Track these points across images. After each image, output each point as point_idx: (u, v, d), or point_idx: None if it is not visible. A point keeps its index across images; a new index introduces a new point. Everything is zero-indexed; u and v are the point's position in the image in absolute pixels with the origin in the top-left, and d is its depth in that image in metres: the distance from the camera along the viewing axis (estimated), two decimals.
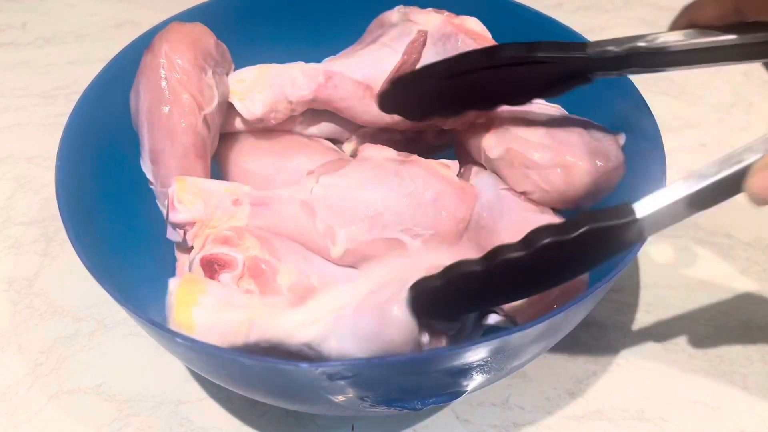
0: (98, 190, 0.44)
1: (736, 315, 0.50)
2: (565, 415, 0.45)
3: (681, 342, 0.49)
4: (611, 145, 0.43)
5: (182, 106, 0.43)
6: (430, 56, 0.45)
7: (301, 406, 0.40)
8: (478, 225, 0.44)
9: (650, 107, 0.44)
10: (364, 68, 0.46)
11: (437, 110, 0.45)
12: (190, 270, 0.41)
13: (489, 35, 0.46)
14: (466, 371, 0.34)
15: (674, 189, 0.32)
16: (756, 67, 0.71)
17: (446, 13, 0.47)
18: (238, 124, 0.50)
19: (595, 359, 0.48)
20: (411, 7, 0.48)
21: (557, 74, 0.40)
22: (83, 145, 0.44)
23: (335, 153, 0.50)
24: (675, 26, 0.37)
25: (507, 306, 0.41)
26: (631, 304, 0.51)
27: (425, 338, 0.36)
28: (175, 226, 0.42)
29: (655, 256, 0.54)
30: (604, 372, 0.47)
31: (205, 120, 0.44)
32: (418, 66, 0.45)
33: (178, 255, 0.45)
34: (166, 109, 0.43)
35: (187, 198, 0.41)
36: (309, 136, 0.51)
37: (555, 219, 0.43)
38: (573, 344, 0.49)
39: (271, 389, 0.38)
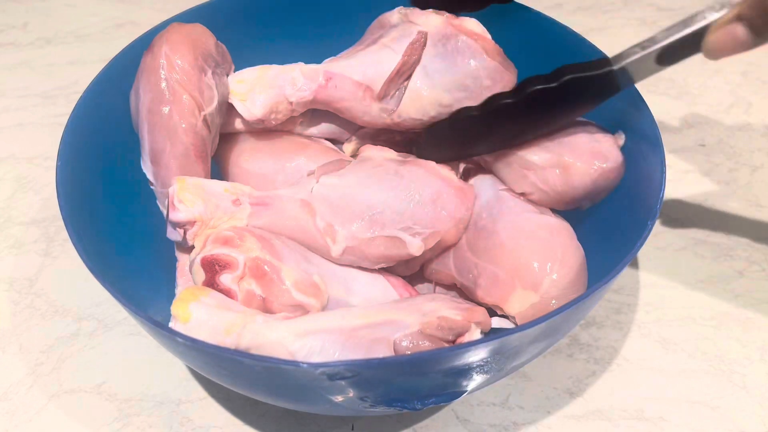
0: (99, 190, 0.44)
1: (736, 315, 0.50)
2: (565, 414, 0.45)
3: (681, 342, 0.49)
4: (610, 146, 0.43)
5: (182, 106, 0.43)
6: (429, 57, 0.46)
7: (301, 406, 0.40)
8: (477, 225, 0.44)
9: (650, 107, 0.44)
10: (364, 69, 0.46)
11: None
12: (190, 270, 0.41)
13: (489, 36, 0.47)
14: (465, 371, 0.34)
15: (644, 45, 0.37)
16: (755, 67, 0.72)
17: (446, 15, 0.47)
18: (238, 124, 0.50)
19: (595, 359, 0.48)
20: (411, 8, 0.49)
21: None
22: (84, 145, 0.44)
23: (335, 153, 0.50)
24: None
25: (506, 307, 0.41)
26: (631, 304, 0.51)
27: None
28: (175, 225, 0.42)
29: (655, 256, 0.54)
30: (604, 372, 0.47)
31: (205, 120, 0.45)
32: (417, 66, 0.46)
33: (179, 255, 0.45)
34: (166, 109, 0.43)
35: (187, 197, 0.41)
36: (309, 137, 0.51)
37: (554, 219, 0.43)
38: (573, 344, 0.49)
39: (271, 389, 0.38)
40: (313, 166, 0.47)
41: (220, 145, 0.49)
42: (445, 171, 0.45)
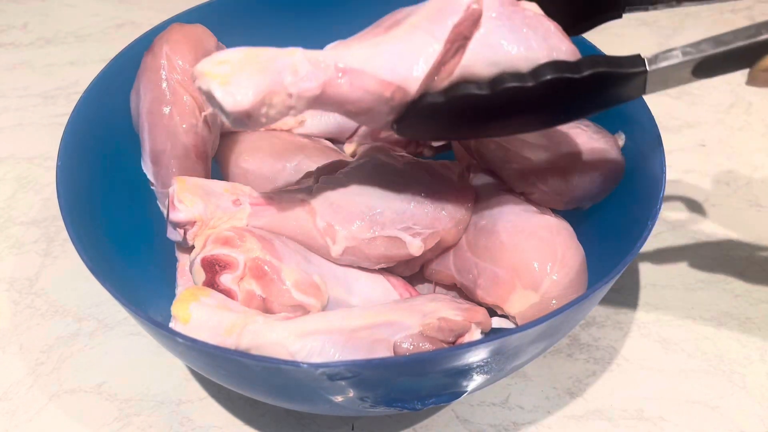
0: (99, 190, 0.44)
1: (736, 315, 0.50)
2: (565, 414, 0.45)
3: (681, 342, 0.49)
4: (610, 146, 0.43)
5: (183, 106, 0.44)
6: (490, 25, 0.34)
7: (301, 406, 0.40)
8: (477, 225, 0.44)
9: (650, 107, 0.44)
10: (392, 61, 0.34)
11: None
12: (191, 270, 0.41)
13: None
14: (465, 372, 0.34)
15: (685, 51, 0.33)
16: None
17: None
18: None
19: (595, 359, 0.48)
20: None
21: (588, 7, 0.38)
22: (84, 145, 0.44)
23: (335, 153, 0.50)
24: None
25: (507, 307, 0.41)
26: (631, 304, 0.51)
27: None
28: (176, 225, 0.42)
29: (655, 256, 0.54)
30: (604, 372, 0.47)
31: (205, 121, 0.45)
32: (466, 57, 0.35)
33: (179, 255, 0.45)
34: (166, 110, 0.43)
35: (187, 197, 0.41)
36: (309, 136, 0.51)
37: (554, 219, 0.43)
38: (573, 344, 0.49)
39: (271, 389, 0.38)
40: (313, 165, 0.47)
41: (220, 145, 0.49)
42: (445, 171, 0.45)
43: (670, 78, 0.34)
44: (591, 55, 0.33)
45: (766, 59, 0.32)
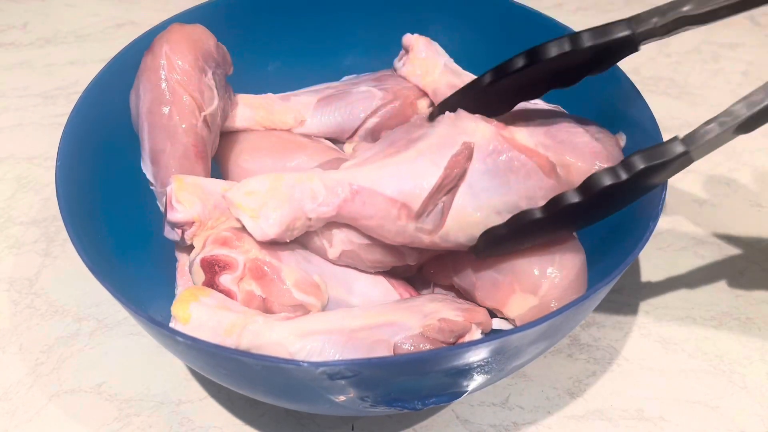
0: (99, 190, 0.44)
1: (736, 315, 0.50)
2: (565, 414, 0.45)
3: (681, 342, 0.49)
4: (611, 146, 0.43)
5: (182, 106, 0.43)
6: (476, 174, 0.40)
7: (301, 405, 0.40)
8: None
9: (650, 107, 0.44)
10: (399, 182, 0.40)
11: (485, 111, 0.43)
12: (190, 270, 0.41)
13: (540, 149, 0.41)
14: (466, 372, 0.34)
15: (721, 122, 0.35)
16: (756, 67, 0.71)
17: (495, 123, 0.41)
18: (238, 122, 0.50)
19: (595, 359, 0.48)
20: (458, 113, 0.42)
21: (605, 53, 0.40)
22: (84, 145, 0.44)
23: (335, 153, 0.50)
24: None
25: (506, 311, 0.41)
26: (631, 304, 0.51)
27: None
28: (174, 225, 0.42)
29: (655, 256, 0.54)
30: (604, 372, 0.47)
31: (205, 121, 0.45)
32: (461, 182, 0.40)
33: (179, 255, 0.45)
34: (166, 109, 0.43)
35: (185, 197, 0.41)
36: (309, 136, 0.51)
37: None
38: (573, 344, 0.49)
39: (271, 389, 0.38)
40: (313, 165, 0.47)
41: (220, 145, 0.49)
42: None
43: (713, 145, 0.36)
44: (634, 153, 0.36)
45: None
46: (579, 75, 0.42)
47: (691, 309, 0.51)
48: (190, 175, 0.44)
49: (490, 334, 0.39)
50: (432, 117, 0.44)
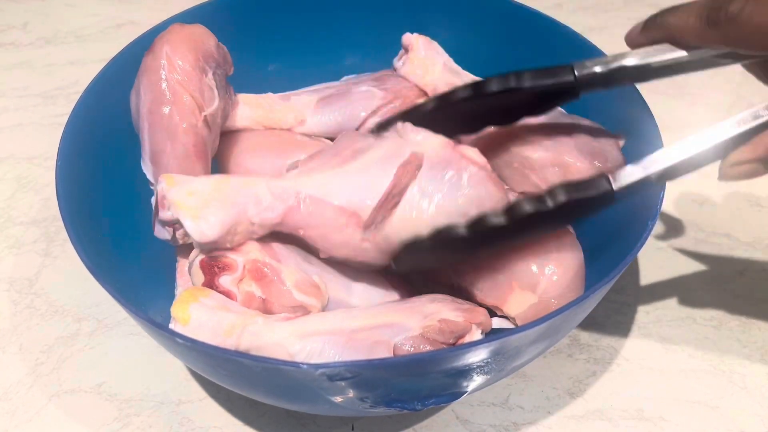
0: (99, 190, 0.44)
1: (735, 315, 0.50)
2: (565, 415, 0.45)
3: (681, 342, 0.49)
4: (611, 146, 0.43)
5: (183, 106, 0.43)
6: (427, 179, 0.39)
7: (301, 406, 0.40)
8: None
9: (650, 107, 0.44)
10: (349, 192, 0.39)
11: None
12: (189, 272, 0.41)
13: (488, 165, 0.41)
14: (466, 372, 0.34)
15: (647, 165, 0.36)
16: None
17: (443, 137, 0.41)
18: (239, 122, 0.50)
19: (595, 359, 0.48)
20: (403, 123, 0.42)
21: (545, 96, 0.40)
22: (84, 145, 0.44)
23: None
24: (650, 38, 0.38)
25: (506, 309, 0.41)
26: (631, 304, 0.51)
27: None
28: (165, 224, 0.41)
29: (655, 256, 0.54)
30: (604, 372, 0.47)
31: (205, 120, 0.44)
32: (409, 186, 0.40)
33: (179, 258, 0.45)
34: (166, 109, 0.43)
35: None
36: (309, 136, 0.51)
37: None
38: (573, 344, 0.49)
39: (271, 390, 0.38)
40: None
41: (220, 144, 0.49)
42: None
43: (638, 189, 0.36)
44: (557, 185, 0.36)
45: (730, 156, 0.35)
46: (518, 114, 0.42)
47: (691, 309, 0.51)
48: (190, 175, 0.44)
49: (490, 335, 0.39)
50: (376, 130, 0.44)
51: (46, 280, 0.53)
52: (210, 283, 0.39)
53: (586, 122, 0.45)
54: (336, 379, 0.33)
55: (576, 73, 0.39)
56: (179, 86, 0.44)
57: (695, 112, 0.66)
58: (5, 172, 0.61)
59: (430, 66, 0.52)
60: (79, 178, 0.43)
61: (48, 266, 0.53)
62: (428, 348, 0.37)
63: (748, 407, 0.46)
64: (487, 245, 0.39)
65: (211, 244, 0.39)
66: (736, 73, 0.70)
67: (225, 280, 0.39)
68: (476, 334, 0.38)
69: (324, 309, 0.41)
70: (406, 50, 0.53)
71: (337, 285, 0.42)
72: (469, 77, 0.51)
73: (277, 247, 0.41)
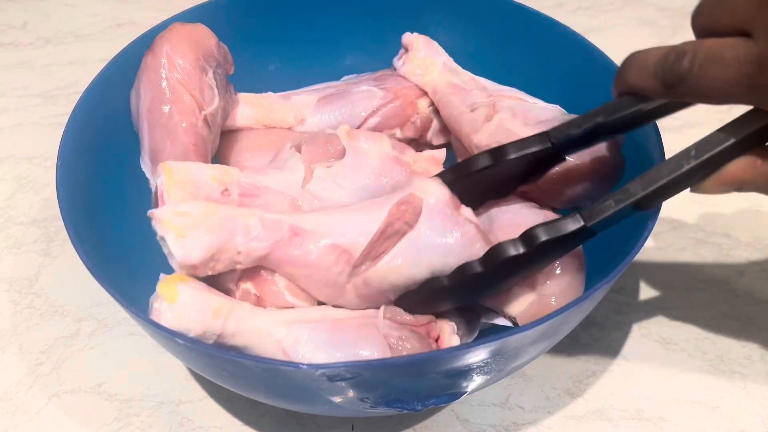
0: (99, 190, 0.44)
1: (736, 315, 0.50)
2: (565, 415, 0.45)
3: (681, 342, 0.49)
4: (610, 146, 0.43)
5: (183, 106, 0.43)
6: (423, 230, 0.38)
7: (300, 406, 0.40)
8: None
9: None
10: (342, 228, 0.39)
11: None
12: None
13: (480, 226, 0.40)
14: (466, 372, 0.34)
15: (617, 199, 0.36)
16: None
17: (447, 190, 0.40)
18: (239, 121, 0.50)
19: (595, 359, 0.48)
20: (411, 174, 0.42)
21: (530, 166, 0.41)
22: (84, 145, 0.44)
23: None
24: (619, 93, 0.37)
25: (506, 308, 0.41)
26: (631, 304, 0.51)
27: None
28: None
29: (655, 256, 0.54)
30: (604, 372, 0.47)
31: (205, 120, 0.45)
32: (407, 233, 0.39)
33: None
34: (166, 109, 0.43)
35: (175, 193, 0.41)
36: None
37: (552, 217, 0.43)
38: (573, 344, 0.49)
39: (270, 390, 0.38)
40: None
41: (221, 143, 0.49)
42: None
43: (613, 221, 0.36)
44: (532, 228, 0.36)
45: (704, 183, 0.36)
46: (510, 187, 0.43)
47: (691, 309, 0.51)
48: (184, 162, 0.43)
49: (491, 335, 0.39)
50: None
51: (46, 280, 0.53)
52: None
53: None
54: (336, 379, 0.33)
55: (552, 140, 0.39)
56: (179, 85, 0.44)
57: (695, 112, 0.66)
58: (5, 172, 0.61)
59: (430, 66, 0.52)
60: (79, 178, 0.43)
61: (48, 266, 0.53)
62: (408, 331, 0.37)
63: (748, 407, 0.46)
64: (470, 290, 0.39)
65: (192, 267, 0.38)
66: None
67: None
68: (449, 324, 0.39)
69: None
70: (406, 50, 0.53)
71: None
72: (468, 76, 0.51)
73: None
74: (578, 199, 0.44)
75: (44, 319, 0.50)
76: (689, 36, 0.34)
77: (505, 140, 0.45)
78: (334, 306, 0.40)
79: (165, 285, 0.37)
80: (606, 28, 0.75)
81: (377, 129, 0.51)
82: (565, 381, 0.47)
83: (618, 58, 0.45)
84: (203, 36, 0.46)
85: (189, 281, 0.38)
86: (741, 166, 0.35)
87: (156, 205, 0.41)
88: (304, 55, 0.56)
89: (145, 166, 0.45)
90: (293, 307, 0.40)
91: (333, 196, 0.43)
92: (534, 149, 0.39)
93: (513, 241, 0.36)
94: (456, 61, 0.53)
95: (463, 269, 0.38)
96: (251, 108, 0.50)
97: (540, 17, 0.51)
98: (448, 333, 0.39)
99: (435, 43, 0.53)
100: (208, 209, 0.38)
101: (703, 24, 0.33)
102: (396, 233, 0.38)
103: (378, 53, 0.55)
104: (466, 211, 0.39)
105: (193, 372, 0.47)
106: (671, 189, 0.36)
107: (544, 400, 0.46)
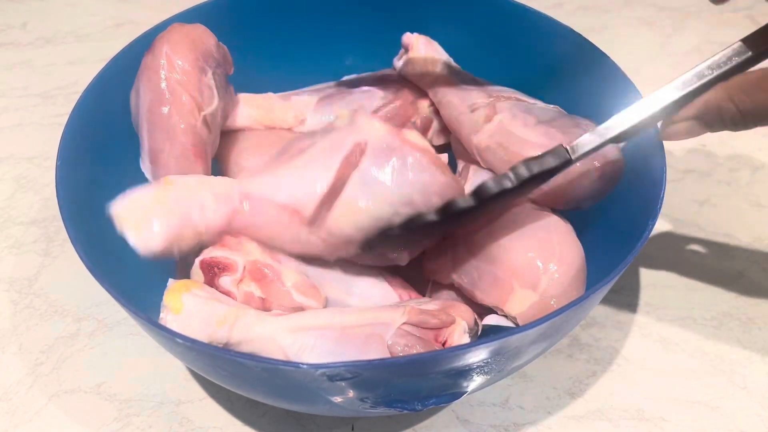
0: (99, 190, 0.44)
1: (736, 315, 0.50)
2: (565, 415, 0.45)
3: (681, 342, 0.49)
4: (610, 146, 0.43)
5: (182, 106, 0.43)
6: (368, 167, 0.38)
7: (300, 406, 0.40)
8: (475, 225, 0.44)
9: None
10: (291, 188, 0.39)
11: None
12: (189, 272, 0.41)
13: (431, 149, 0.40)
14: (466, 372, 0.34)
15: (600, 133, 0.38)
16: (755, 67, 0.71)
17: (388, 125, 0.40)
18: (239, 121, 0.50)
19: (595, 359, 0.48)
20: (352, 113, 0.41)
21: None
22: (84, 145, 0.44)
23: None
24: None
25: (506, 308, 0.41)
26: (631, 304, 0.51)
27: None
28: None
29: (655, 256, 0.54)
30: (604, 372, 0.47)
31: (205, 120, 0.44)
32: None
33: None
34: (165, 109, 0.43)
35: None
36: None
37: (553, 218, 0.43)
38: (573, 344, 0.49)
39: (270, 390, 0.38)
40: None
41: (221, 144, 0.49)
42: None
43: (590, 153, 0.39)
44: (518, 163, 0.38)
45: (667, 129, 0.39)
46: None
47: (691, 309, 0.51)
48: (188, 174, 0.44)
49: (491, 335, 0.39)
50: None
51: (46, 280, 0.53)
52: (210, 284, 0.40)
53: (584, 122, 0.45)
54: (336, 379, 0.33)
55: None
56: (179, 86, 0.44)
57: None
58: (5, 172, 0.61)
59: (430, 65, 0.52)
60: (79, 178, 0.43)
61: (48, 266, 0.53)
62: (416, 339, 0.37)
63: (748, 407, 0.45)
64: (457, 224, 0.41)
65: (156, 255, 0.38)
66: None
67: (225, 281, 0.39)
68: (461, 325, 0.38)
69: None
70: (406, 50, 0.53)
71: (336, 286, 0.42)
72: (468, 77, 0.51)
73: (278, 248, 0.41)
74: (579, 200, 0.44)
75: (44, 319, 0.50)
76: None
77: (505, 141, 0.45)
78: (310, 257, 0.40)
79: (171, 295, 0.37)
80: (606, 28, 0.75)
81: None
82: (565, 381, 0.47)
83: (618, 57, 0.45)
84: (202, 36, 0.46)
85: (194, 289, 0.38)
86: (713, 94, 0.36)
87: None
88: (304, 55, 0.56)
89: (145, 166, 0.45)
90: (302, 308, 0.40)
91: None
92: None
93: (501, 178, 0.38)
94: (456, 61, 0.53)
95: (452, 205, 0.38)
96: (251, 108, 0.50)
97: (540, 17, 0.51)
98: (459, 332, 0.39)
99: (435, 43, 0.53)
100: (157, 194, 0.38)
101: None
102: (344, 184, 0.38)
103: (378, 53, 0.55)
104: (413, 136, 0.39)
105: (193, 372, 0.47)
106: (653, 119, 0.38)
107: (544, 400, 0.46)
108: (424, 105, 0.52)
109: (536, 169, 0.38)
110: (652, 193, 0.39)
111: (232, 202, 0.39)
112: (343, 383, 0.33)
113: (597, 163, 0.42)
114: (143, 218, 0.37)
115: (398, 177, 0.38)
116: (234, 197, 0.39)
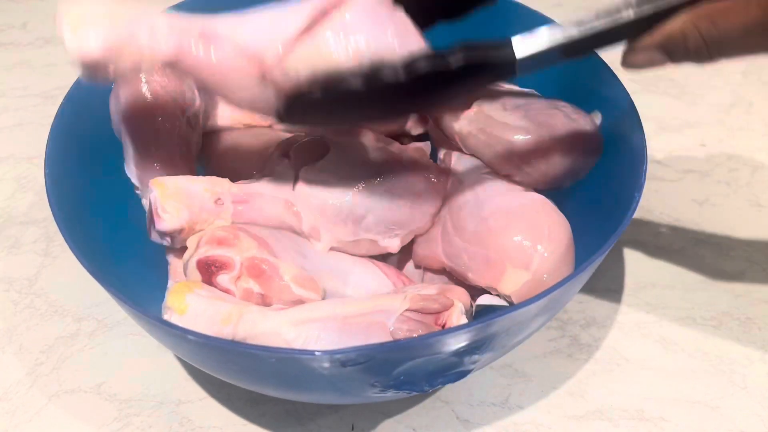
0: (94, 190, 0.44)
1: (736, 315, 0.50)
2: (566, 414, 0.45)
3: (681, 342, 0.49)
4: (588, 124, 0.44)
5: (164, 109, 0.43)
6: (353, 16, 0.36)
7: (310, 396, 0.40)
8: (463, 209, 0.44)
9: (650, 107, 0.44)
10: (257, 30, 0.36)
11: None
12: (185, 272, 0.41)
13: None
14: (473, 349, 0.35)
15: (551, 35, 0.34)
16: (756, 67, 0.71)
17: None
18: (220, 121, 0.50)
19: (595, 359, 0.48)
20: None
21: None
22: (75, 146, 0.44)
23: None
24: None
25: (500, 288, 0.41)
26: (631, 304, 0.51)
27: None
28: (163, 234, 0.41)
29: (655, 256, 0.54)
30: (604, 372, 0.47)
31: (188, 122, 0.44)
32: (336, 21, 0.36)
33: (170, 258, 0.45)
34: (147, 112, 0.43)
35: (171, 205, 0.41)
36: (289, 130, 0.51)
37: (539, 197, 0.44)
38: (573, 344, 0.49)
39: (281, 382, 0.38)
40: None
41: (204, 145, 0.49)
42: (425, 161, 0.46)
43: (540, 61, 0.35)
44: (459, 44, 0.34)
45: (630, 56, 0.35)
46: (466, 6, 0.41)
47: (691, 309, 0.51)
48: (174, 176, 0.44)
49: (486, 314, 0.40)
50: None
51: (46, 280, 0.53)
52: (208, 283, 0.40)
53: (561, 104, 0.45)
54: (349, 364, 0.33)
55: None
56: (159, 88, 0.43)
57: (695, 112, 0.66)
58: (5, 172, 0.61)
59: None
60: (72, 180, 0.42)
61: (48, 266, 0.53)
62: (417, 323, 0.37)
63: (748, 407, 0.45)
64: (381, 102, 0.36)
65: (90, 64, 0.34)
66: (735, 73, 0.70)
67: (223, 279, 0.39)
68: (458, 307, 0.38)
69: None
70: None
71: (333, 277, 0.43)
72: None
73: (273, 242, 0.41)
74: (561, 178, 0.44)
75: (44, 319, 0.50)
76: None
77: (486, 126, 0.45)
78: (255, 109, 0.38)
79: (174, 296, 0.37)
80: None
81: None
82: (565, 381, 0.47)
83: (617, 57, 0.45)
84: None
85: (196, 289, 0.38)
86: (678, 21, 0.34)
87: (152, 222, 0.41)
88: None
89: (131, 171, 0.44)
90: (301, 301, 0.40)
91: (324, 193, 0.43)
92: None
93: (438, 54, 0.34)
94: None
95: (377, 75, 0.35)
96: (231, 108, 0.50)
97: (540, 17, 0.51)
98: (456, 314, 0.39)
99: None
100: (111, 8, 0.35)
101: None
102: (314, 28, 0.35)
103: None
104: (401, 12, 0.37)
105: (193, 372, 0.47)
106: (606, 38, 0.35)
107: (544, 400, 0.46)
108: None
109: (477, 56, 0.34)
110: (635, 165, 0.40)
111: (188, 35, 0.35)
112: (355, 368, 0.33)
113: (576, 142, 0.43)
114: (88, 21, 0.34)
115: (379, 29, 0.35)
116: (191, 32, 0.35)
